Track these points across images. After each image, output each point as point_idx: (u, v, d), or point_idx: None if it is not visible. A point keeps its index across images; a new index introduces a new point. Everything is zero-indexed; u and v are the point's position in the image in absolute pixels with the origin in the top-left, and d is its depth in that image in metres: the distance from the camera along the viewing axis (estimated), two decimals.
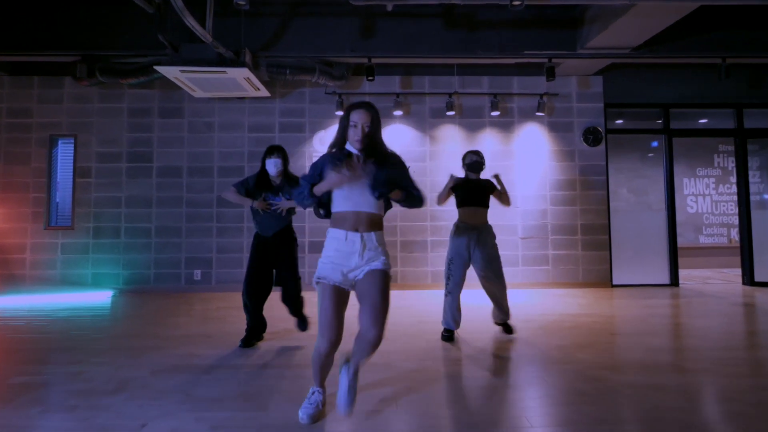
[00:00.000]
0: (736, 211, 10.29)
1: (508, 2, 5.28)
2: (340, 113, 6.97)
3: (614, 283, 7.94)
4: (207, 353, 4.29)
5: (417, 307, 6.38)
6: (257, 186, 4.50)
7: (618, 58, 7.18)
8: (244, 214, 7.48)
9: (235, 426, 2.84)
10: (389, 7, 6.08)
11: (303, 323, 4.76)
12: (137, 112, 7.77)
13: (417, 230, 7.78)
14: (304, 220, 7.58)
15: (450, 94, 7.68)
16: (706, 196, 10.74)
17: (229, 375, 3.72)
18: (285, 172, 4.53)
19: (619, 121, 8.43)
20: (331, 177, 2.65)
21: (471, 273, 4.87)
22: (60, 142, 7.84)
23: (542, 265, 7.83)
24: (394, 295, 6.96)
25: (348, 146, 2.76)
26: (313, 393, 2.96)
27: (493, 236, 4.83)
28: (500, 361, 4.10)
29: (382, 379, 3.62)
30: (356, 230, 2.68)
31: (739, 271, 9.06)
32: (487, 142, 7.89)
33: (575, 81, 7.97)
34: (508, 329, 4.90)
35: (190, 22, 5.02)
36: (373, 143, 2.73)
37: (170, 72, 6.21)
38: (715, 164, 10.74)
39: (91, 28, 6.86)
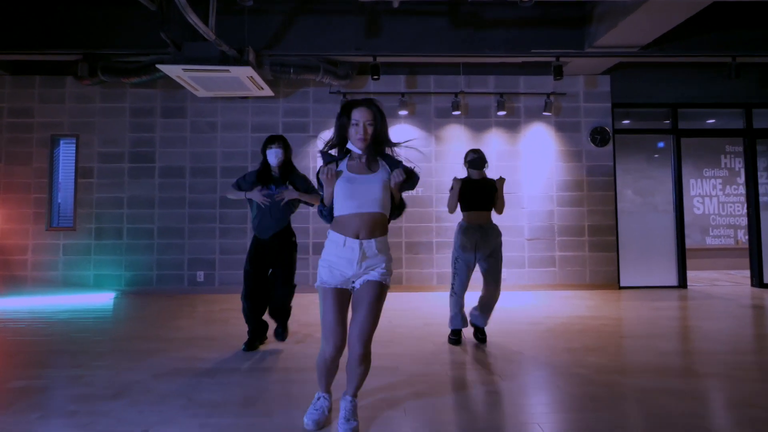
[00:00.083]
0: (744, 212, 10.21)
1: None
2: None
3: (621, 284, 7.85)
4: (210, 356, 4.21)
5: (423, 309, 6.30)
6: (258, 179, 4.36)
7: (626, 57, 7.10)
8: (248, 215, 7.40)
9: None
10: (395, 4, 6.01)
11: (282, 332, 4.54)
12: (139, 112, 7.71)
13: (422, 231, 7.70)
14: (308, 221, 7.51)
15: (456, 94, 7.60)
16: (713, 197, 10.64)
17: (233, 379, 3.64)
18: (287, 163, 4.40)
19: (626, 122, 8.34)
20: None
21: (476, 275, 4.78)
22: (62, 142, 7.78)
23: (549, 266, 7.74)
24: (400, 297, 7.00)
25: (349, 145, 2.68)
26: (318, 398, 2.89)
27: (499, 234, 4.69)
28: (509, 364, 4.02)
29: (390, 383, 3.54)
30: (356, 236, 2.60)
31: (746, 273, 8.99)
32: (494, 142, 7.81)
33: (582, 80, 7.88)
34: (482, 336, 4.72)
35: (193, 19, 4.94)
36: (378, 141, 2.66)
37: (173, 71, 6.14)
38: (722, 165, 10.64)
39: (93, 27, 6.80)
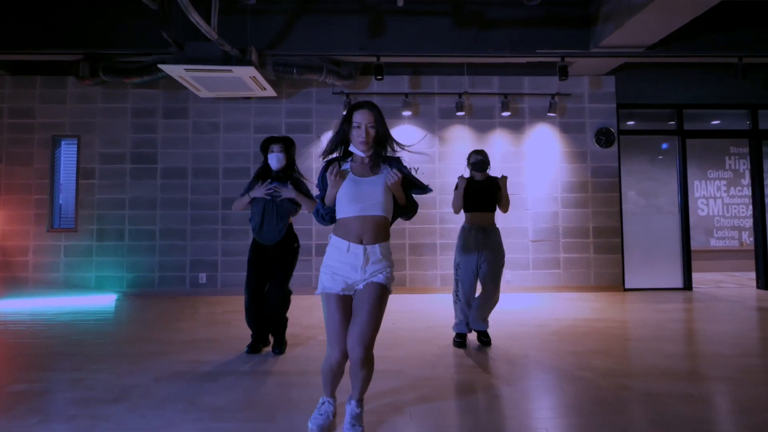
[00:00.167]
0: (748, 213, 10.14)
1: None
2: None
3: (626, 286, 7.79)
4: (212, 359, 4.16)
5: (427, 311, 6.25)
6: (258, 178, 4.31)
7: (632, 57, 7.04)
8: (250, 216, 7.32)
9: None
10: (400, 3, 5.97)
11: (278, 346, 4.38)
12: (141, 113, 7.66)
13: (426, 233, 7.65)
14: (311, 223, 7.46)
15: (459, 94, 7.55)
16: (717, 199, 10.56)
17: (235, 382, 3.59)
18: (289, 166, 4.31)
19: (630, 123, 8.28)
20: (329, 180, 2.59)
21: None
22: (63, 142, 7.74)
23: (553, 268, 7.68)
24: (403, 299, 6.94)
25: (352, 148, 2.66)
26: (323, 403, 2.84)
27: (500, 237, 4.66)
28: (514, 368, 3.97)
29: (394, 387, 3.50)
30: (360, 242, 2.56)
31: (751, 275, 8.92)
32: (498, 143, 7.76)
33: (587, 81, 7.83)
34: (486, 339, 4.65)
35: (195, 18, 4.90)
36: (380, 143, 2.64)
37: (175, 71, 6.09)
38: (727, 166, 10.55)
39: (94, 26, 6.76)
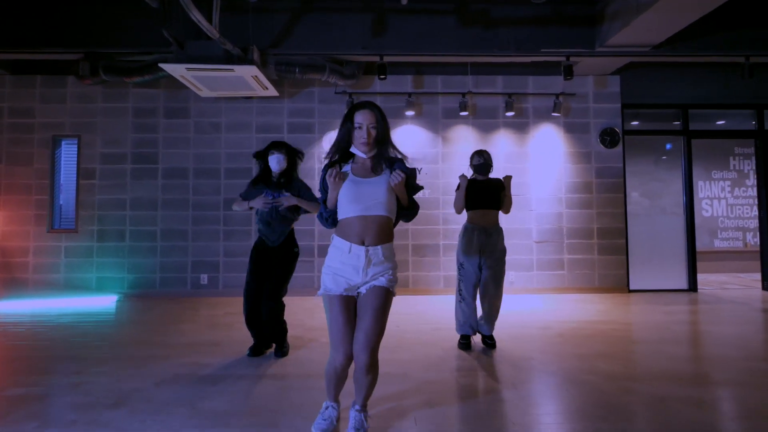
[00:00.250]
0: (752, 214, 10.08)
1: None
2: None
3: (631, 288, 7.72)
4: (214, 362, 4.11)
5: (430, 313, 6.19)
6: (256, 182, 4.26)
7: (638, 57, 6.98)
8: (252, 216, 7.29)
9: None
10: (403, 1, 5.92)
11: (279, 350, 4.33)
12: (142, 112, 7.61)
13: (429, 234, 7.59)
14: (313, 224, 7.39)
15: (463, 94, 7.48)
16: (722, 200, 10.49)
17: (237, 386, 3.53)
18: (289, 172, 4.25)
19: (635, 123, 8.21)
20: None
21: None
22: (63, 142, 7.69)
23: (557, 269, 7.62)
24: (406, 300, 6.88)
25: (353, 149, 2.61)
26: (326, 408, 2.79)
27: (503, 239, 4.61)
28: (519, 371, 3.91)
29: (399, 391, 3.44)
30: (362, 242, 2.51)
31: (756, 276, 8.86)
32: (501, 143, 7.70)
33: (592, 80, 7.76)
34: (491, 342, 4.60)
35: (196, 16, 4.84)
36: (381, 144, 2.59)
37: (176, 70, 6.04)
38: (731, 167, 10.49)
39: (94, 25, 6.69)
